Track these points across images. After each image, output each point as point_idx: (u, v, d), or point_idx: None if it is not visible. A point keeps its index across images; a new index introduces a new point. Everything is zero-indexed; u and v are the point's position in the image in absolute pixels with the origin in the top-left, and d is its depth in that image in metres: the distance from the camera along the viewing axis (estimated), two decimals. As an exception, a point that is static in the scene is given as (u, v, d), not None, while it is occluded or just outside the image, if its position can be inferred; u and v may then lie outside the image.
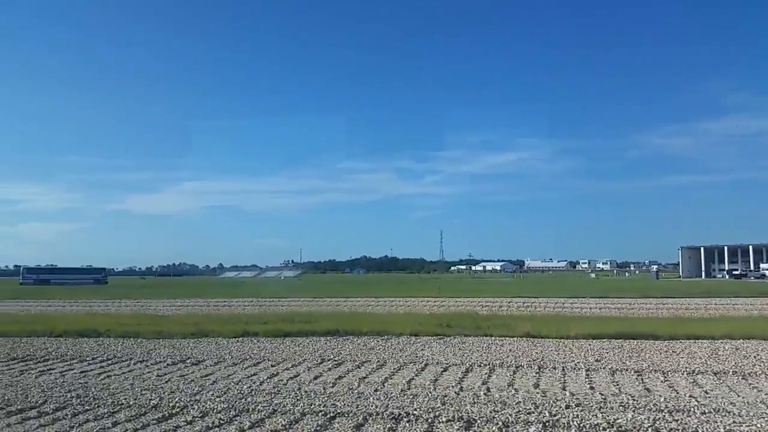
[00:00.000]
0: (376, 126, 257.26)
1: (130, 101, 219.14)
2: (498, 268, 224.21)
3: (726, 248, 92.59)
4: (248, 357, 13.64)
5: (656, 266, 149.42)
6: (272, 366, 12.48)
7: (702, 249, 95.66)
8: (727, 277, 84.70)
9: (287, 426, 7.68)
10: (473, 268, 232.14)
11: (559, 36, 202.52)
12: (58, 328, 18.19)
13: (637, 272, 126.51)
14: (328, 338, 16.89)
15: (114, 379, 10.87)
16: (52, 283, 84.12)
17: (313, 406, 8.62)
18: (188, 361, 13.09)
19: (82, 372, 11.88)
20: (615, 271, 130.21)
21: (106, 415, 8.23)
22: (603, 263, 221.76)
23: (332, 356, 13.65)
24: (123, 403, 8.84)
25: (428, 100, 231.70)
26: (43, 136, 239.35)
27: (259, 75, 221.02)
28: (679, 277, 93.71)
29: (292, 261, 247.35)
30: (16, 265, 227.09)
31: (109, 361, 13.23)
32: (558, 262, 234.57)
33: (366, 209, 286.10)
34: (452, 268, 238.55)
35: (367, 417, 8.03)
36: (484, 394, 9.42)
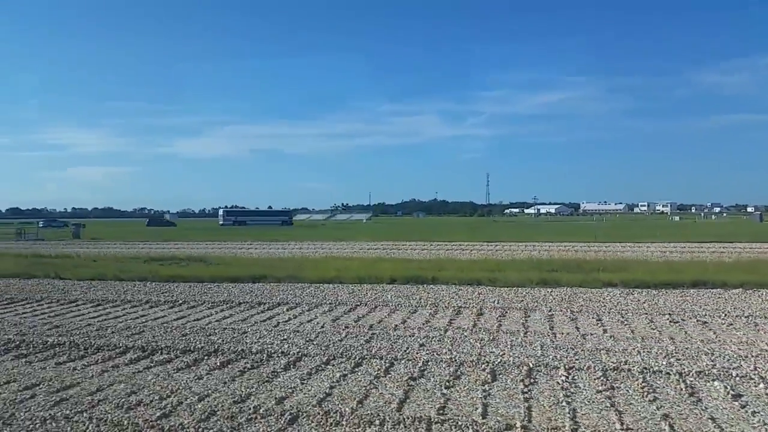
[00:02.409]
0: (415, 67, 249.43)
1: (172, 45, 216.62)
2: (552, 211, 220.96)
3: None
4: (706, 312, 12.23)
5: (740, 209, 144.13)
6: None
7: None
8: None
9: None
10: (525, 211, 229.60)
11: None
12: (383, 275, 17.27)
13: (710, 215, 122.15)
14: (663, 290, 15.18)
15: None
16: (248, 224, 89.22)
17: None
18: (668, 315, 11.86)
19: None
20: (702, 214, 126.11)
21: None
22: (663, 206, 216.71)
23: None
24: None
25: (469, 36, 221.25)
26: (89, 81, 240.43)
27: (296, 14, 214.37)
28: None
29: (343, 204, 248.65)
30: (74, 208, 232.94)
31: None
32: (615, 204, 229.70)
33: (409, 152, 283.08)
34: (505, 211, 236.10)
35: None
36: None
